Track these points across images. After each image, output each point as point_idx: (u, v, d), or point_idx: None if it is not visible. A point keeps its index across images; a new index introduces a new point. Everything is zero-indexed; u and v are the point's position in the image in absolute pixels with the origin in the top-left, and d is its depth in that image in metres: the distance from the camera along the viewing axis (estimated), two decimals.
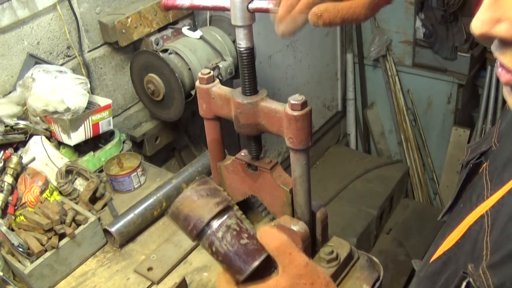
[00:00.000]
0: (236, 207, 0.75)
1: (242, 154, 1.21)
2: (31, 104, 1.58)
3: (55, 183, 1.51)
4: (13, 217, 1.37)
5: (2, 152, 1.47)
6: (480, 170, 0.79)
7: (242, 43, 1.03)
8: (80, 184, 1.56)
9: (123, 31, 1.86)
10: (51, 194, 1.47)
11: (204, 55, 1.94)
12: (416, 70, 3.44)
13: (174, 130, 2.28)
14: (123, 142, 1.82)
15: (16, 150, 1.55)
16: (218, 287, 0.75)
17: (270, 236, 0.75)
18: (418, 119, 3.62)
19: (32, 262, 1.25)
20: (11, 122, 1.55)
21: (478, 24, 0.52)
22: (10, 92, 1.68)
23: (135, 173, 1.61)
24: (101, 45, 1.95)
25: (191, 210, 0.71)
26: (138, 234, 1.45)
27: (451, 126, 3.45)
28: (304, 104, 1.01)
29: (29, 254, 1.26)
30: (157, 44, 1.98)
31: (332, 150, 3.76)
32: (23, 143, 1.57)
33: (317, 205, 1.21)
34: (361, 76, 3.69)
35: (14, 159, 1.45)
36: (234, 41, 1.98)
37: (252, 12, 0.98)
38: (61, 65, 1.81)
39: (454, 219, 0.79)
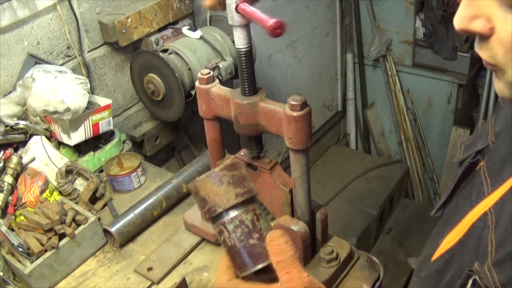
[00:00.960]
0: (259, 202, 0.73)
1: (242, 153, 1.21)
2: (31, 104, 1.58)
3: (55, 183, 1.51)
4: (13, 217, 1.37)
5: (2, 152, 1.47)
6: (477, 168, 0.79)
7: (240, 43, 1.03)
8: (80, 184, 1.56)
9: (123, 31, 1.87)
10: (51, 194, 1.47)
11: (204, 55, 1.94)
12: (416, 70, 3.44)
13: (174, 130, 2.28)
14: (123, 142, 1.82)
15: (16, 150, 1.55)
16: (218, 269, 0.75)
17: (276, 247, 0.73)
18: (418, 119, 3.62)
19: (32, 262, 1.25)
20: (11, 122, 1.55)
21: (457, 20, 0.57)
22: (10, 92, 1.68)
23: (135, 173, 1.61)
24: (101, 45, 1.95)
25: (208, 194, 0.69)
26: (138, 234, 1.45)
27: (451, 126, 3.45)
28: (303, 105, 1.01)
29: (29, 254, 1.26)
30: (157, 44, 1.98)
31: (332, 150, 3.76)
32: (23, 143, 1.58)
33: (317, 205, 1.21)
34: (361, 76, 3.69)
35: (14, 159, 1.45)
36: (234, 41, 1.98)
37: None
38: (61, 65, 1.81)
39: (452, 217, 0.79)
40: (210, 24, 2.14)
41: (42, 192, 1.44)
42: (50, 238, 1.30)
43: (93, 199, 1.54)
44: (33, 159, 1.52)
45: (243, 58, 1.06)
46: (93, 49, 1.93)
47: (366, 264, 1.25)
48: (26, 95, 1.60)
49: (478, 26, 0.57)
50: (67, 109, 1.58)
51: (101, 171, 1.68)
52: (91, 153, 1.70)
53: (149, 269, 1.31)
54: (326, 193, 3.25)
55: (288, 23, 3.08)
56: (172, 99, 1.94)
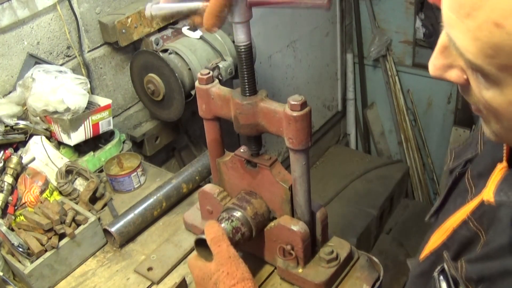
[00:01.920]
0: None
1: (242, 150, 1.21)
2: (31, 104, 1.58)
3: (55, 183, 1.51)
4: (13, 217, 1.37)
5: (2, 152, 1.47)
6: (465, 175, 0.81)
7: (240, 40, 1.03)
8: (80, 184, 1.56)
9: (123, 31, 1.87)
10: (51, 194, 1.47)
11: (204, 55, 1.94)
12: (416, 70, 3.44)
13: (174, 130, 2.28)
14: (123, 142, 1.82)
15: (16, 150, 1.55)
16: (191, 256, 1.10)
17: (210, 228, 1.04)
18: (418, 119, 3.62)
19: (32, 262, 1.25)
20: (11, 122, 1.55)
21: (432, 68, 0.57)
22: (10, 92, 1.68)
23: (135, 173, 1.61)
24: (101, 45, 1.95)
25: None
26: (138, 234, 1.45)
27: (451, 126, 3.45)
28: (303, 105, 1.01)
29: (29, 254, 1.26)
30: (157, 44, 1.98)
31: (332, 150, 3.76)
32: (23, 143, 1.58)
33: (317, 205, 1.21)
34: (361, 76, 3.69)
35: (14, 159, 1.45)
36: (234, 41, 1.98)
37: (250, 8, 0.97)
38: (61, 65, 1.81)
39: (439, 220, 0.82)
40: None
41: (42, 192, 1.44)
42: (50, 238, 1.30)
43: (93, 199, 1.54)
44: (33, 159, 1.52)
45: (243, 55, 1.05)
46: (93, 49, 1.93)
47: (366, 264, 1.25)
48: (26, 95, 1.60)
49: (453, 76, 0.56)
50: (67, 109, 1.58)
51: (101, 171, 1.67)
52: (91, 153, 1.70)
53: (149, 269, 1.31)
54: (326, 193, 3.25)
55: (288, 23, 3.10)
56: (172, 99, 1.94)
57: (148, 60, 1.92)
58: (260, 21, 2.71)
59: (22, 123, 1.58)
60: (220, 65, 1.89)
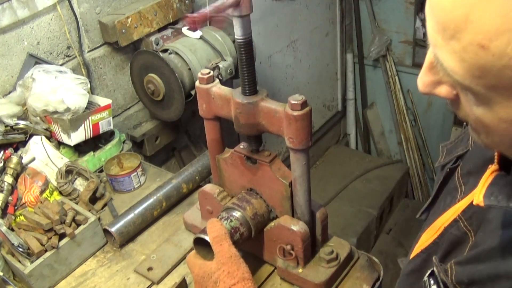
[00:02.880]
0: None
1: (241, 146, 1.20)
2: (31, 104, 1.58)
3: (55, 183, 1.51)
4: (13, 217, 1.37)
5: (2, 152, 1.47)
6: (455, 172, 0.81)
7: (240, 33, 1.02)
8: (80, 184, 1.56)
9: (123, 31, 1.86)
10: (51, 194, 1.47)
11: (204, 55, 1.94)
12: (416, 70, 3.44)
13: (174, 130, 2.28)
14: (123, 142, 1.82)
15: (16, 150, 1.55)
16: (190, 255, 1.09)
17: (213, 226, 1.05)
18: (418, 119, 3.62)
19: (32, 262, 1.25)
20: (11, 122, 1.55)
21: (421, 85, 0.57)
22: (10, 92, 1.68)
23: (135, 173, 1.61)
24: (101, 45, 1.95)
25: None
26: (138, 234, 1.45)
27: (451, 126, 3.44)
28: (304, 104, 1.01)
29: (29, 254, 1.26)
30: (157, 44, 1.98)
31: (332, 150, 3.76)
32: (23, 143, 1.57)
33: (317, 205, 1.20)
34: (361, 76, 3.69)
35: (14, 159, 1.45)
36: (234, 41, 1.98)
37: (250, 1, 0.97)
38: (61, 65, 1.81)
39: (430, 219, 0.83)
40: (210, 24, 2.14)
41: (42, 192, 1.44)
42: (50, 238, 1.30)
43: (93, 199, 1.54)
44: (33, 159, 1.52)
45: (243, 50, 1.04)
46: (93, 49, 1.93)
47: (366, 264, 1.25)
48: (26, 95, 1.60)
49: (442, 92, 0.56)
50: (67, 109, 1.58)
51: (101, 171, 1.67)
52: (91, 153, 1.70)
53: (149, 269, 1.31)
54: (326, 193, 3.25)
55: (288, 23, 3.09)
56: (172, 99, 1.94)
57: (148, 60, 1.92)
58: (260, 21, 2.71)
59: (22, 123, 1.58)
60: (220, 65, 1.89)
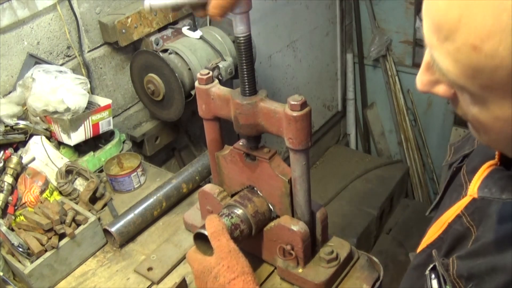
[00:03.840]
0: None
1: (240, 143, 1.20)
2: (31, 104, 1.58)
3: (55, 183, 1.51)
4: (13, 217, 1.37)
5: (2, 152, 1.47)
6: (462, 170, 0.82)
7: (239, 30, 1.02)
8: (80, 184, 1.56)
9: (123, 31, 1.87)
10: (51, 194, 1.47)
11: (204, 55, 1.94)
12: (416, 70, 3.39)
13: (174, 130, 2.28)
14: (123, 142, 1.82)
15: (16, 150, 1.55)
16: (190, 251, 1.09)
17: (211, 222, 1.06)
18: (418, 119, 3.61)
19: (32, 262, 1.25)
20: (11, 122, 1.55)
21: (419, 84, 0.59)
22: (10, 92, 1.68)
23: (135, 173, 1.61)
24: (101, 45, 1.95)
25: None
26: (138, 234, 1.45)
27: (451, 126, 3.44)
28: (303, 105, 1.01)
29: (29, 254, 1.26)
30: (157, 44, 1.98)
31: (332, 150, 3.76)
32: (23, 143, 1.57)
33: (317, 205, 1.21)
34: (361, 76, 3.69)
35: (14, 159, 1.45)
36: (234, 41, 1.98)
37: None
38: (61, 65, 1.81)
39: (437, 215, 0.84)
40: (210, 24, 2.14)
41: (42, 192, 1.44)
42: (50, 238, 1.30)
43: (93, 199, 1.54)
44: (33, 159, 1.52)
45: (243, 47, 1.04)
46: (93, 49, 1.93)
47: (366, 264, 1.25)
48: (26, 95, 1.60)
49: (440, 91, 0.57)
50: (67, 109, 1.58)
51: (101, 171, 1.67)
52: (91, 153, 1.70)
53: (149, 269, 1.31)
54: (326, 193, 3.25)
55: (288, 23, 3.09)
56: (172, 99, 1.94)
57: (148, 60, 1.92)
58: (260, 21, 2.71)
59: (22, 123, 1.58)
60: (220, 65, 1.89)
